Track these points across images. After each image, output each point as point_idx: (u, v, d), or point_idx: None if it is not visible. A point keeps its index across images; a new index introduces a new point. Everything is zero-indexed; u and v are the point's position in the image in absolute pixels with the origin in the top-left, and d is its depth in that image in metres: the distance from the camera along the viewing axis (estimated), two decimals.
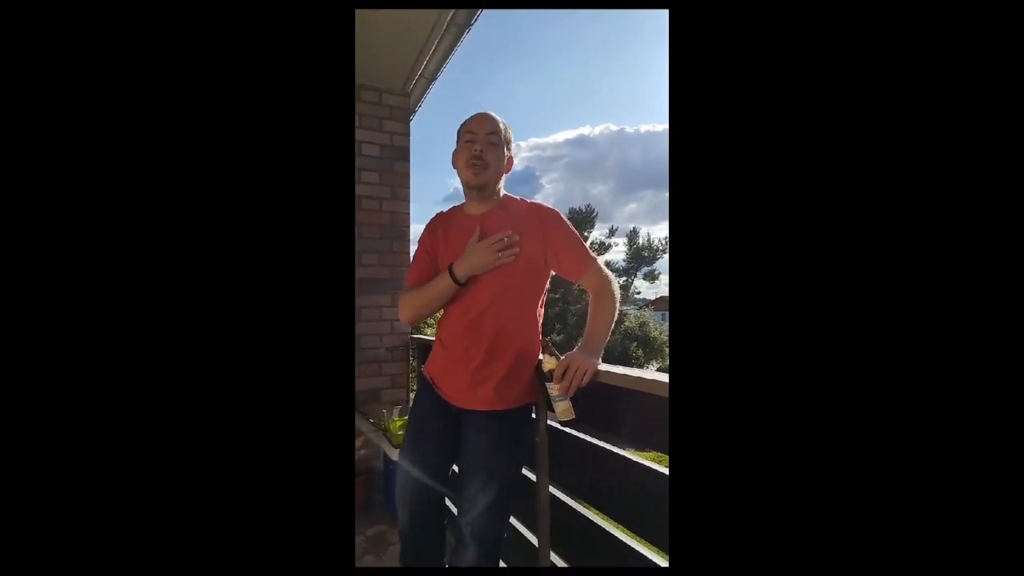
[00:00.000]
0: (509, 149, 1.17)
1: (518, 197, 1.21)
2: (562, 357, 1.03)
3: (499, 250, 1.07)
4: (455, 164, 1.17)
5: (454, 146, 1.17)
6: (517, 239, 1.10)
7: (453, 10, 1.87)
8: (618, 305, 1.14)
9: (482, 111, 1.16)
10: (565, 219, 1.17)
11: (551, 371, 1.01)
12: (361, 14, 1.73)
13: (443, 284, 1.11)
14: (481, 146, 1.11)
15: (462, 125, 1.16)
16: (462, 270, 1.09)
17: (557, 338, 15.74)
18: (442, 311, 1.21)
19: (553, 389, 1.01)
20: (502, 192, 1.20)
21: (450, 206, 1.29)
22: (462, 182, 1.17)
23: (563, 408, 1.01)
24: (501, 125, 1.14)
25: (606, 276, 1.15)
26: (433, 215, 1.27)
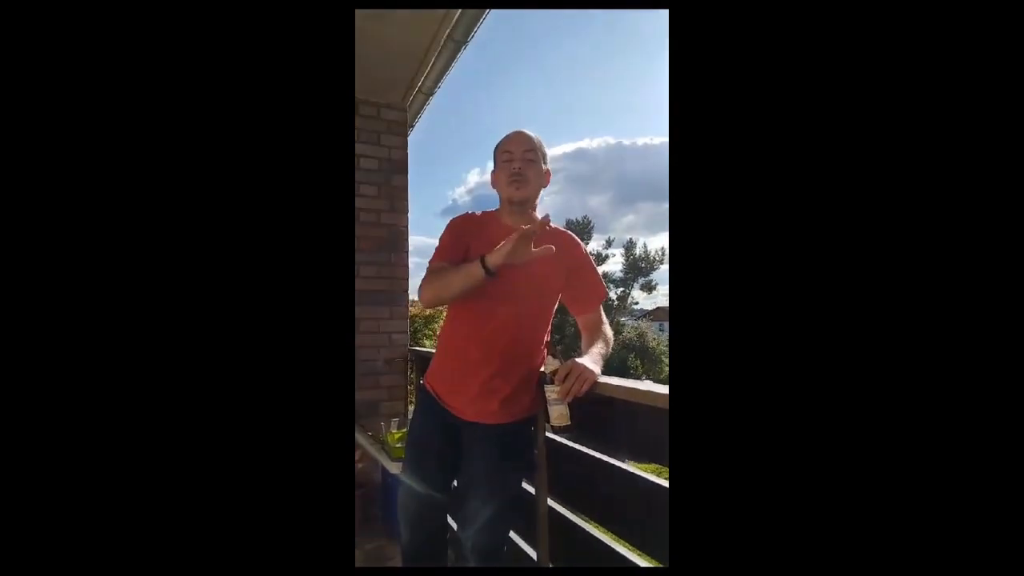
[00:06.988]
0: (546, 163, 1.19)
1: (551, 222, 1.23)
2: (565, 362, 1.03)
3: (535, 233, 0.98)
4: (495, 184, 1.19)
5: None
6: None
7: (452, 23, 1.89)
8: (610, 348, 1.19)
9: (516, 130, 1.18)
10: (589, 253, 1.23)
11: (553, 372, 1.01)
12: (360, 29, 1.75)
13: (473, 269, 1.03)
14: (519, 163, 1.13)
15: (498, 146, 1.18)
16: (496, 258, 1.00)
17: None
18: (453, 321, 1.20)
19: (552, 392, 1.01)
20: (539, 211, 1.21)
21: (451, 217, 1.26)
22: (503, 199, 1.18)
23: (559, 413, 1.01)
24: (536, 141, 1.16)
25: (604, 318, 1.22)
26: (443, 224, 1.26)
